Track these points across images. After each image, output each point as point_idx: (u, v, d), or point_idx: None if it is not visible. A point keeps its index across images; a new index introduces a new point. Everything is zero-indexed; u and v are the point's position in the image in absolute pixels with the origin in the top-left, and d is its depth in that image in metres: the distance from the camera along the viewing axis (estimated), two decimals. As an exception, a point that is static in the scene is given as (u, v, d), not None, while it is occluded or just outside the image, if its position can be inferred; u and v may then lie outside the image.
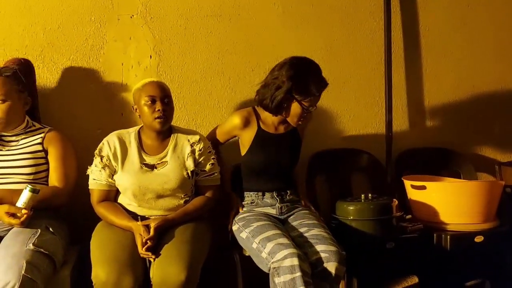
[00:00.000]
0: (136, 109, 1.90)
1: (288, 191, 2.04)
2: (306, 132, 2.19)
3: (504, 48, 2.81)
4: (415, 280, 2.30)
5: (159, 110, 1.81)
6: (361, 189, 2.43)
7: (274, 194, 2.01)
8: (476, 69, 2.76)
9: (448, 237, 2.08)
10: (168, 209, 1.86)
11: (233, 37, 2.34)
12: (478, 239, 2.09)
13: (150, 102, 1.82)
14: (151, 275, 1.65)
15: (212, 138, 2.06)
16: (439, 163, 2.61)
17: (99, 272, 1.59)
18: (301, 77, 1.86)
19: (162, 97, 1.84)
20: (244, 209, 2.00)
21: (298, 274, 1.60)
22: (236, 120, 1.99)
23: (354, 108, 2.57)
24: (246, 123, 1.99)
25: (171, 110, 1.88)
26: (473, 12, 2.71)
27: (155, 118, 1.82)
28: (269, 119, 2.01)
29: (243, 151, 2.03)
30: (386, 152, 2.58)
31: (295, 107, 1.91)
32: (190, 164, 1.90)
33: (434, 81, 2.70)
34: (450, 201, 2.13)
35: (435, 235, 2.11)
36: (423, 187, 2.17)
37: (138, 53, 2.23)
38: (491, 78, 2.80)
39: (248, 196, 2.03)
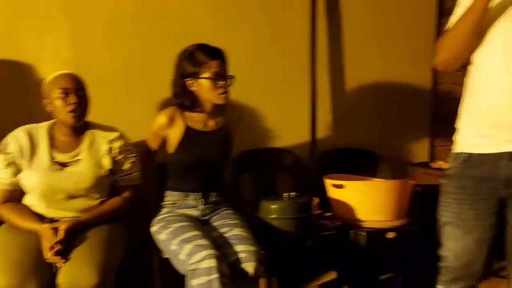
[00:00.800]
0: (47, 103, 1.78)
1: (213, 193, 2.00)
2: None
3: (418, 55, 2.99)
4: (333, 275, 2.39)
5: (73, 103, 1.72)
6: (285, 188, 2.47)
7: (199, 196, 1.96)
8: (394, 74, 2.92)
9: (364, 233, 2.18)
10: (81, 210, 1.77)
11: (159, 33, 2.27)
12: (390, 235, 2.20)
13: (63, 95, 1.72)
14: (58, 281, 1.55)
15: (146, 147, 1.99)
16: (359, 163, 2.71)
17: (0, 278, 1.47)
18: (189, 55, 1.89)
19: (76, 90, 1.74)
20: (165, 209, 1.95)
21: (215, 276, 1.58)
22: (161, 119, 1.93)
23: (280, 107, 2.61)
24: (171, 121, 1.92)
25: (86, 103, 1.79)
26: (390, 20, 2.86)
27: (69, 112, 1.72)
28: (196, 116, 1.96)
29: (171, 149, 1.96)
30: (309, 152, 2.65)
31: (204, 84, 1.87)
32: (107, 163, 1.82)
33: (357, 83, 2.81)
34: (366, 199, 2.23)
35: (351, 231, 2.20)
36: (341, 186, 2.25)
37: (54, 45, 2.10)
38: (407, 81, 2.97)
39: (170, 196, 1.97)
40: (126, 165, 1.88)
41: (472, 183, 1.51)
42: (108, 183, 1.85)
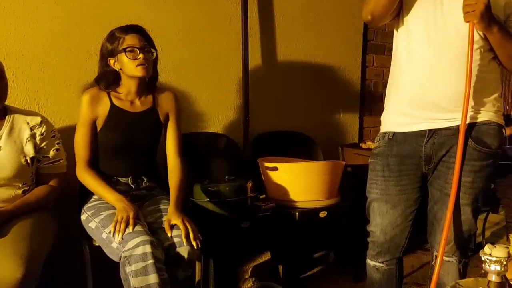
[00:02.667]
0: None
1: (145, 178, 1.95)
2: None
3: (347, 39, 3.09)
4: (268, 256, 2.44)
5: None
6: (220, 172, 2.47)
7: (129, 181, 1.91)
8: (323, 58, 3.00)
9: (297, 213, 2.24)
10: (3, 200, 1.66)
11: (84, 11, 2.14)
12: (322, 214, 2.29)
13: None
14: (-21, 276, 1.45)
15: (77, 164, 1.84)
16: (292, 145, 2.78)
17: None
18: (109, 35, 1.87)
19: None
20: (95, 196, 1.87)
21: (151, 261, 1.55)
22: (84, 98, 1.84)
23: (213, 91, 2.59)
24: (95, 99, 1.84)
25: (3, 87, 1.66)
26: (321, 1, 2.93)
27: None
28: (123, 96, 1.89)
29: (98, 129, 1.87)
30: (243, 136, 2.67)
31: (122, 59, 1.81)
32: (29, 150, 1.71)
33: (287, 66, 2.86)
34: (299, 181, 2.29)
35: (285, 212, 2.25)
36: (275, 168, 2.29)
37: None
38: (337, 67, 3.07)
39: None
40: (51, 153, 1.78)
41: (397, 161, 1.60)
42: (31, 172, 1.74)
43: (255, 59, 2.70)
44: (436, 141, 1.53)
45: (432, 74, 1.49)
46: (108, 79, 1.87)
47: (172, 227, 1.72)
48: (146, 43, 1.85)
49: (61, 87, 2.12)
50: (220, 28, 2.57)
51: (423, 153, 1.56)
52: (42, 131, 1.74)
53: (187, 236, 1.69)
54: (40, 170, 1.78)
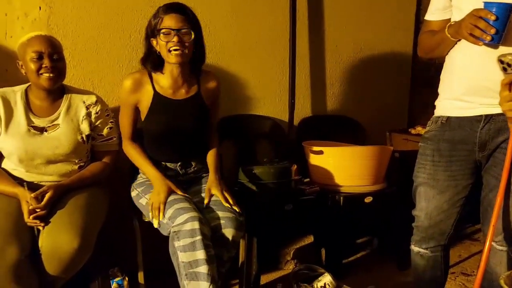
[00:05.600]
0: (22, 66, 1.72)
1: (193, 162, 1.97)
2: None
3: (399, 23, 2.99)
4: (310, 239, 2.45)
5: (46, 67, 1.66)
6: (264, 154, 2.49)
7: (178, 167, 1.93)
8: (374, 40, 2.92)
9: (342, 198, 2.23)
10: (60, 174, 1.75)
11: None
12: (368, 199, 2.26)
13: (36, 58, 1.66)
14: (40, 244, 1.55)
15: (122, 141, 1.91)
16: (338, 130, 2.75)
17: (-20, 242, 1.45)
18: (154, 13, 1.78)
19: (50, 53, 1.68)
20: (143, 175, 1.92)
21: (199, 237, 1.59)
22: (126, 83, 1.82)
23: (260, 74, 2.59)
24: (138, 85, 1.82)
25: (61, 67, 1.73)
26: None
27: (42, 75, 1.67)
28: (166, 82, 1.85)
29: (142, 117, 1.89)
30: (288, 119, 2.66)
31: (159, 41, 1.74)
32: (85, 128, 1.79)
33: (335, 50, 2.81)
34: (344, 165, 2.27)
35: (330, 196, 2.24)
36: (321, 152, 2.28)
37: (24, 3, 2.00)
38: (386, 51, 2.98)
39: None
40: (105, 131, 1.86)
41: (448, 146, 1.55)
42: (87, 149, 1.82)
43: (302, 42, 2.67)
44: (492, 127, 1.47)
45: (486, 59, 1.42)
46: (153, 61, 1.82)
47: (211, 197, 1.78)
48: (186, 24, 1.73)
49: (114, 68, 2.19)
50: (268, 10, 2.55)
51: (477, 139, 1.50)
52: (97, 110, 1.82)
53: (227, 202, 1.75)
54: (94, 147, 1.86)
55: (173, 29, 1.71)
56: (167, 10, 1.74)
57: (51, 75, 1.67)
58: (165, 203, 1.70)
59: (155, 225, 1.69)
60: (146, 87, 1.84)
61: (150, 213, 1.71)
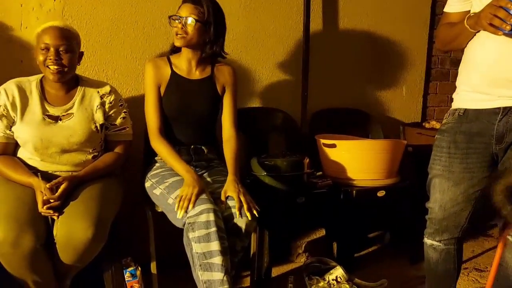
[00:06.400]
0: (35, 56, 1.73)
1: (205, 149, 2.00)
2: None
3: (414, 16, 2.95)
4: (322, 232, 2.44)
5: (50, 59, 1.66)
6: (276, 147, 2.48)
7: (191, 151, 1.97)
8: (389, 33, 2.89)
9: (354, 192, 2.21)
10: (74, 164, 1.76)
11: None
12: (380, 193, 2.24)
13: (44, 49, 1.66)
14: (54, 233, 1.56)
15: (150, 134, 1.91)
16: (351, 123, 2.73)
17: (-3, 230, 1.47)
18: None
19: (57, 45, 1.66)
20: (158, 164, 1.95)
21: (213, 229, 1.60)
22: (147, 66, 1.93)
23: (273, 66, 2.58)
24: (157, 66, 1.93)
25: (68, 60, 1.69)
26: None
27: (48, 67, 1.67)
28: (182, 63, 1.96)
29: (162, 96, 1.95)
30: (301, 112, 2.65)
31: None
32: (99, 117, 1.80)
33: (349, 41, 2.78)
34: (357, 159, 2.25)
35: (342, 190, 2.23)
36: (334, 145, 2.26)
37: (39, -5, 2.02)
38: (401, 44, 2.95)
39: None
40: (118, 120, 1.87)
41: (465, 138, 1.53)
42: (100, 138, 1.83)
43: (316, 34, 2.65)
44: (510, 119, 1.45)
45: (505, 50, 1.40)
46: (173, 45, 1.97)
47: (227, 198, 1.76)
48: (196, 13, 1.84)
49: (128, 59, 2.20)
50: (281, 1, 2.53)
51: (495, 132, 1.48)
52: (111, 100, 1.83)
53: (240, 209, 1.71)
54: (108, 137, 1.87)
55: (180, 17, 1.85)
56: (185, 1, 1.87)
57: (55, 67, 1.67)
58: (197, 196, 1.68)
59: (179, 216, 1.65)
60: (165, 68, 1.95)
61: (177, 204, 1.67)
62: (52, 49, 1.66)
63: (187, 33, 1.85)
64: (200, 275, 1.61)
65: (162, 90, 1.94)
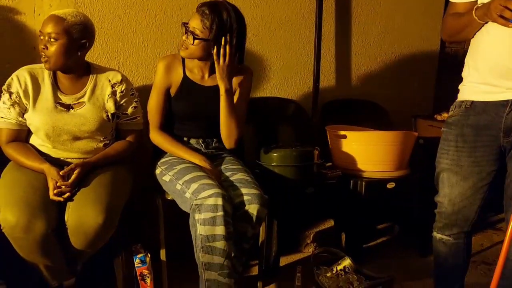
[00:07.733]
0: None
1: (214, 139, 2.01)
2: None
3: (428, 7, 2.91)
4: (331, 223, 2.45)
5: (42, 48, 1.66)
6: (287, 137, 2.48)
7: (200, 141, 1.98)
8: (401, 25, 2.85)
9: (364, 183, 2.21)
10: (85, 151, 1.78)
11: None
12: (390, 185, 2.23)
13: (40, 38, 1.67)
14: (66, 219, 1.59)
15: (150, 130, 1.94)
16: (362, 114, 2.71)
17: (8, 215, 1.49)
18: None
19: (46, 34, 1.64)
20: (169, 155, 1.95)
21: (220, 213, 1.61)
22: (160, 65, 1.91)
23: (284, 55, 2.57)
24: (170, 66, 1.90)
25: (53, 50, 1.64)
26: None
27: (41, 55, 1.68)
28: (196, 68, 1.93)
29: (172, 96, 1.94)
30: (312, 102, 2.63)
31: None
32: (110, 106, 1.81)
33: (362, 32, 2.75)
34: (368, 150, 2.24)
35: (351, 181, 2.23)
36: (344, 136, 2.25)
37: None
38: (414, 35, 2.91)
39: None
40: (130, 110, 1.87)
41: (473, 131, 1.51)
42: (112, 127, 1.84)
43: (328, 23, 2.62)
44: (518, 112, 1.43)
45: None
46: None
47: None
48: (200, 28, 1.77)
49: (139, 47, 2.20)
50: (294, -10, 2.52)
51: (502, 125, 1.46)
52: (122, 89, 1.83)
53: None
54: (119, 126, 1.89)
55: (187, 27, 1.81)
56: (197, 9, 1.82)
57: (43, 58, 1.67)
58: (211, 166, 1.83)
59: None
60: (178, 70, 1.92)
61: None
62: (42, 37, 1.66)
63: (188, 47, 1.82)
64: (201, 257, 1.63)
65: (173, 91, 1.93)
